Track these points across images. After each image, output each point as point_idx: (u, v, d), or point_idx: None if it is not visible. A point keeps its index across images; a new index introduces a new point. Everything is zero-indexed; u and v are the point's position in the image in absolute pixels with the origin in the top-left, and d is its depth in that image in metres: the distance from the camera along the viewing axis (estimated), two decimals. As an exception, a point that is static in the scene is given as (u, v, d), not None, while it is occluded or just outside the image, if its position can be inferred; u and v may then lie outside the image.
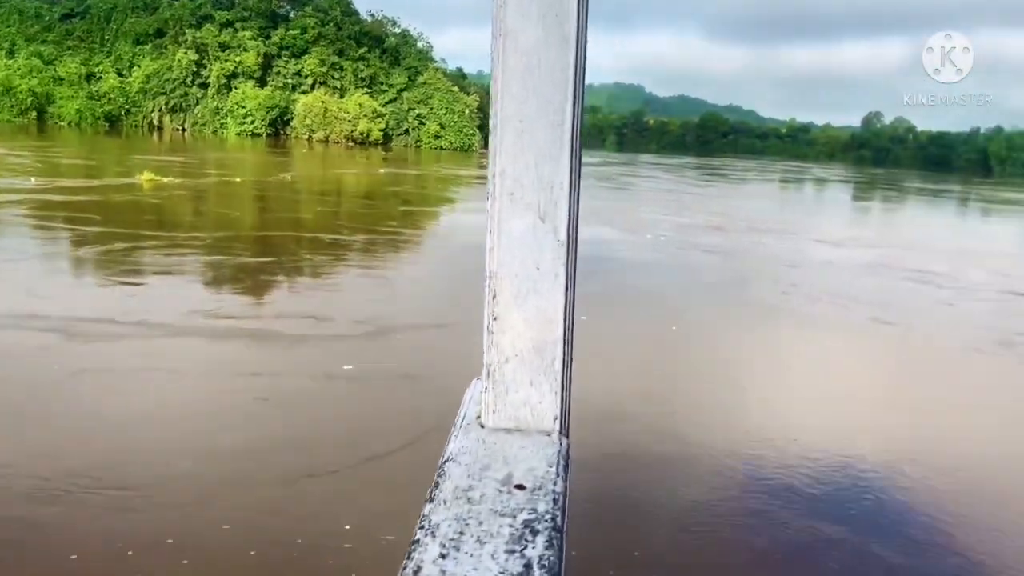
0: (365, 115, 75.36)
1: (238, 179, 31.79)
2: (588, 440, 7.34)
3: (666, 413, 8.25)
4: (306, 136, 75.11)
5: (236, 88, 75.53)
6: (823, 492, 6.57)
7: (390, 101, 79.15)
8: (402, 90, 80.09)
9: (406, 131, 79.42)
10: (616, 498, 6.36)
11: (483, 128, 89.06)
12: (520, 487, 0.99)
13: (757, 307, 14.28)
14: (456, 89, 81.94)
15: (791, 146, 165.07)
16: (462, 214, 25.08)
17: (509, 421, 1.15)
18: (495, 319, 1.13)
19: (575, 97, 1.09)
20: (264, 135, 74.76)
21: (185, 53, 74.99)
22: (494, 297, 1.13)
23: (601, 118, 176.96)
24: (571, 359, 1.20)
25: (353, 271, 15.41)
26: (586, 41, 1.14)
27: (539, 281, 1.11)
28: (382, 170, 43.99)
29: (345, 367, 8.70)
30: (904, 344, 12.32)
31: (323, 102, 75.50)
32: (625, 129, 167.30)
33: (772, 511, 6.25)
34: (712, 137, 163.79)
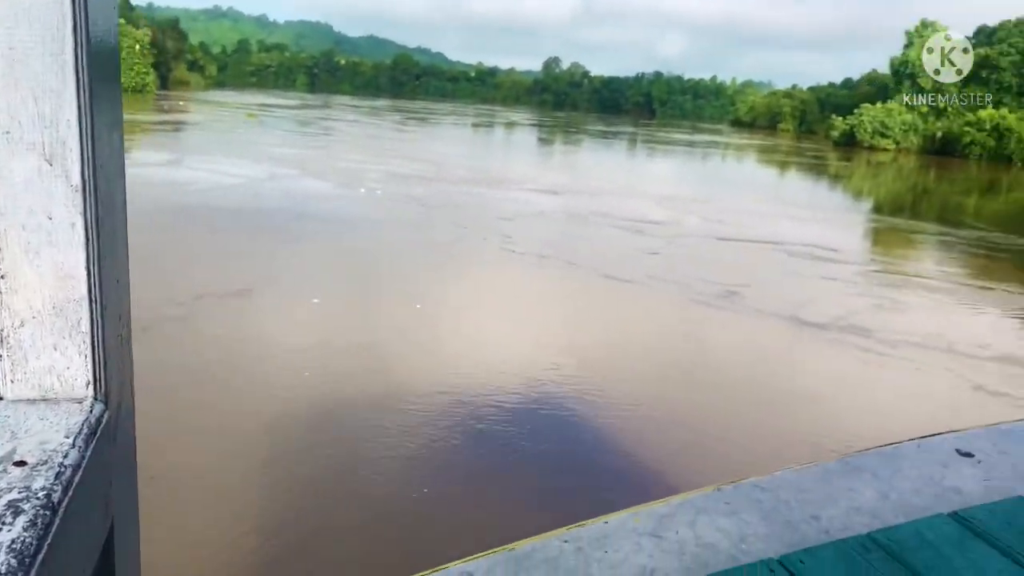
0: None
1: None
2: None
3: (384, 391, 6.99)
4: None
5: None
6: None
7: (39, 33, 68.49)
8: (54, 21, 69.62)
9: (63, 69, 69.38)
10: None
11: (158, 67, 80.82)
12: (21, 463, 0.88)
13: (484, 267, 13.45)
14: (123, 22, 72.87)
15: (480, 89, 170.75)
16: (152, 168, 21.66)
17: (33, 390, 1.03)
18: (3, 277, 1.00)
19: (77, 24, 0.95)
20: None
21: None
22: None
23: (289, 57, 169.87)
24: (107, 318, 1.06)
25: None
26: None
27: (53, 232, 0.99)
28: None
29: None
30: (631, 299, 12.07)
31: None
32: (316, 69, 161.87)
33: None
34: (405, 79, 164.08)
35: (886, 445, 2.55)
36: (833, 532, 2.00)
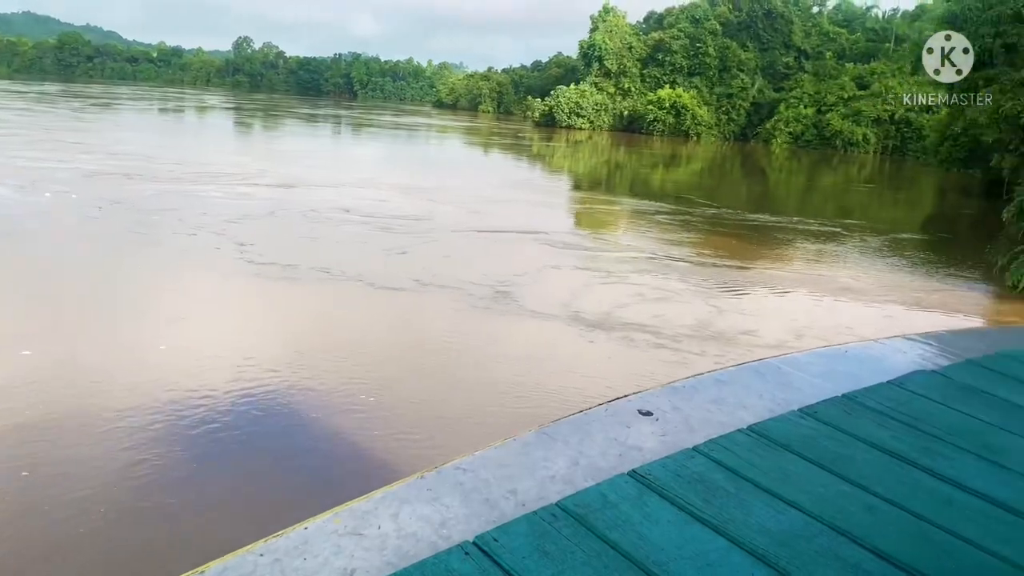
0: None
1: None
2: None
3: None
4: None
5: None
6: None
7: None
8: None
9: None
10: None
11: None
12: None
13: (228, 284, 11.83)
14: None
15: (164, 71, 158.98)
16: None
17: None
18: None
19: None
20: None
21: None
22: None
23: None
24: None
25: None
26: None
27: None
28: None
29: None
30: (403, 310, 11.18)
31: None
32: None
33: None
34: (75, 60, 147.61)
35: (577, 412, 2.54)
36: (529, 504, 1.99)
